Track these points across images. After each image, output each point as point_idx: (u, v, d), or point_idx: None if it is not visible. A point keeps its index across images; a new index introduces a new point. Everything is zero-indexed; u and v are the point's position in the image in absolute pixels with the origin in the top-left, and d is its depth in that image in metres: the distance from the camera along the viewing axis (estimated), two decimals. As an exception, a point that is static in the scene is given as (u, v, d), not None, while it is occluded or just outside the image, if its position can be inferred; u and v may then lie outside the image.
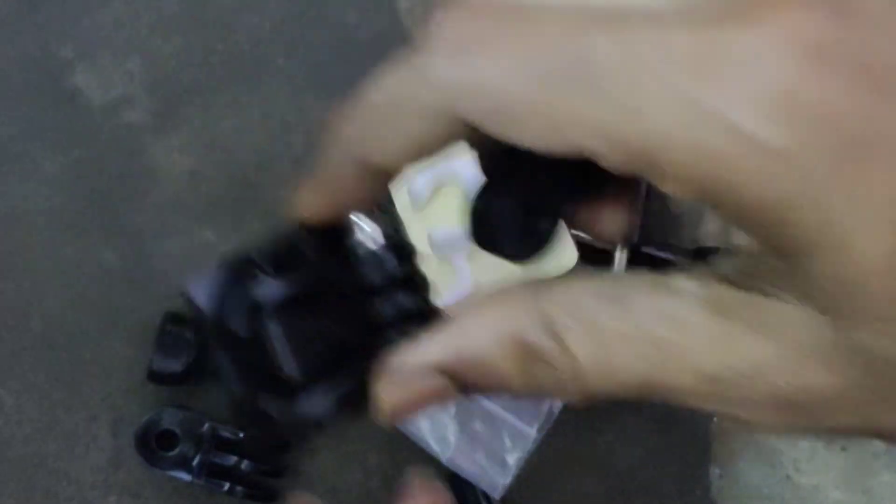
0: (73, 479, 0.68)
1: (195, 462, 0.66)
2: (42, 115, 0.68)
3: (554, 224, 0.32)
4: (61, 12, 0.68)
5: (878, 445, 0.72)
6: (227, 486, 0.67)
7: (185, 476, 0.67)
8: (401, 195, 0.68)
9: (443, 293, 0.65)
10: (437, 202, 0.68)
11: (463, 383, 0.30)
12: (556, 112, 0.25)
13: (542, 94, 0.26)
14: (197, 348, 0.66)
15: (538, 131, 0.26)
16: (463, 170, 0.68)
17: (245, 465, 0.67)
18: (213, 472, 0.67)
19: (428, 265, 0.70)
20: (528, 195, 0.32)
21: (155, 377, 0.66)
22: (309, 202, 0.32)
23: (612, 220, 0.32)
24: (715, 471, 0.72)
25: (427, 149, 0.29)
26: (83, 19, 0.68)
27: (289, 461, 0.69)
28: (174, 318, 0.67)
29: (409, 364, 0.30)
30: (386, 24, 0.70)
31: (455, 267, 0.67)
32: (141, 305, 0.69)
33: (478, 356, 0.29)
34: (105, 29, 0.69)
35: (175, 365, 0.66)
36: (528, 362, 0.28)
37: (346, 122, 0.31)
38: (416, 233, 0.68)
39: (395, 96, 0.29)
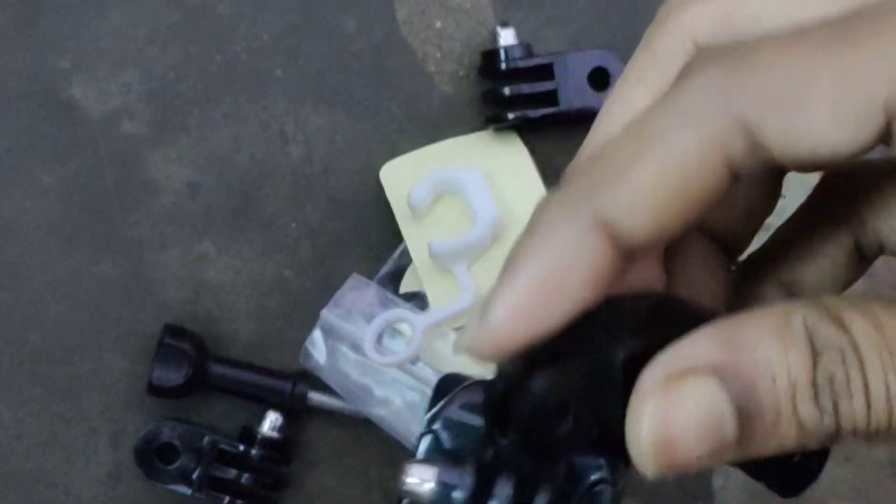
0: (73, 493, 0.68)
1: (195, 475, 0.66)
2: (39, 126, 0.68)
3: None
4: (58, 24, 0.68)
5: (882, 457, 0.72)
6: (227, 499, 0.66)
7: (185, 489, 0.66)
8: (400, 203, 0.68)
9: (443, 304, 0.64)
10: (437, 211, 0.68)
11: (738, 390, 0.24)
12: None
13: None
14: (196, 361, 0.66)
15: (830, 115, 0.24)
16: (466, 178, 0.67)
17: (245, 478, 0.66)
18: (214, 486, 0.66)
19: (427, 276, 0.70)
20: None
21: (155, 390, 0.66)
22: (511, 324, 0.25)
23: None
24: (718, 481, 0.71)
25: (693, 201, 0.25)
26: (80, 31, 0.68)
27: (289, 474, 0.69)
28: (174, 331, 0.67)
29: (675, 367, 0.25)
30: (385, 35, 0.70)
31: (456, 278, 0.67)
32: (140, 318, 0.69)
33: (759, 352, 0.24)
34: (102, 40, 0.68)
35: (175, 377, 0.66)
36: (818, 356, 0.24)
37: (573, 177, 0.26)
38: (416, 242, 0.68)
39: (647, 125, 0.25)
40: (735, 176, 0.26)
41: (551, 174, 0.70)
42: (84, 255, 0.68)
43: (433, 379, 0.65)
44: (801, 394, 0.24)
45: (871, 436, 0.24)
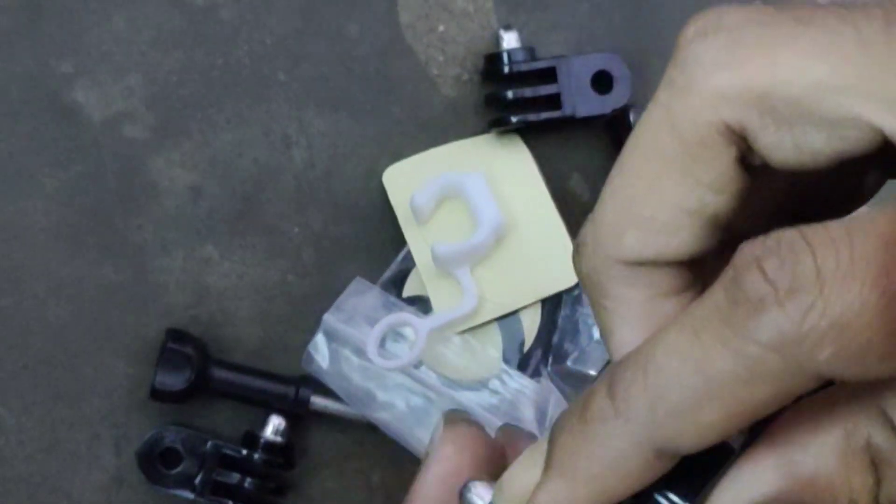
0: (76, 498, 0.68)
1: (198, 480, 0.66)
2: (41, 130, 0.68)
3: None
4: (61, 28, 0.68)
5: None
6: (230, 503, 0.66)
7: (188, 494, 0.66)
8: (403, 207, 0.68)
9: (445, 308, 0.64)
10: (440, 215, 0.68)
11: None
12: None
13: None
14: (199, 365, 0.66)
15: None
16: (469, 182, 0.67)
17: (248, 482, 0.66)
18: (217, 490, 0.66)
19: (431, 280, 0.70)
20: None
21: (157, 395, 0.66)
22: None
23: None
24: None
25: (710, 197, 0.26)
26: (83, 35, 0.68)
27: (292, 479, 0.69)
28: (176, 335, 0.67)
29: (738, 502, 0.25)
30: (388, 39, 0.70)
31: (459, 282, 0.67)
32: (142, 322, 0.68)
33: (820, 476, 0.24)
34: (105, 44, 0.68)
35: (178, 382, 0.65)
36: (882, 478, 0.24)
37: (596, 226, 0.28)
38: (419, 246, 0.68)
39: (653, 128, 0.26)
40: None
41: (554, 177, 0.70)
42: (86, 259, 0.68)
43: (436, 383, 0.65)
44: None
45: None
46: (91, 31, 0.69)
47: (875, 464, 0.24)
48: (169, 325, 0.68)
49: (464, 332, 0.67)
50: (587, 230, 0.29)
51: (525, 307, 0.68)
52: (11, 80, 0.68)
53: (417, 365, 0.66)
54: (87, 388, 0.68)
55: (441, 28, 0.70)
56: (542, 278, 0.68)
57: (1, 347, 0.68)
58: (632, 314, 0.28)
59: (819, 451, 0.24)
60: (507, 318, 0.68)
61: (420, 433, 0.65)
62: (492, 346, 0.67)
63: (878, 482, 0.24)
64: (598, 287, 0.29)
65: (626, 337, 0.28)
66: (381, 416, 0.66)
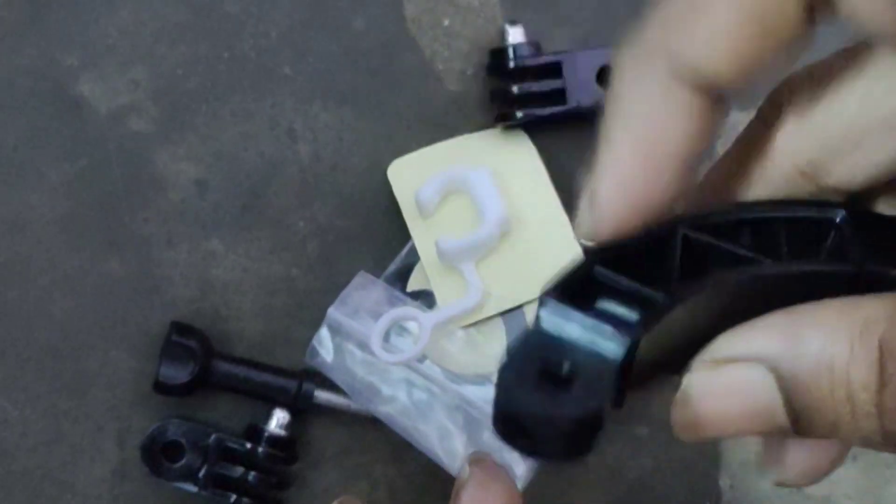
0: (79, 490, 0.68)
1: (201, 473, 0.66)
2: (47, 123, 0.68)
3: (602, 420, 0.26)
4: (66, 21, 0.68)
5: (890, 456, 0.72)
6: (233, 497, 0.66)
7: (190, 487, 0.66)
8: (407, 201, 0.68)
9: (451, 303, 0.64)
10: (445, 209, 0.68)
11: (790, 390, 0.23)
12: None
13: None
14: (202, 358, 0.66)
15: None
16: (474, 177, 0.67)
17: (251, 476, 0.66)
18: (220, 484, 0.66)
19: (435, 274, 0.70)
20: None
21: (161, 388, 0.66)
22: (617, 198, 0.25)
23: None
24: (726, 482, 0.71)
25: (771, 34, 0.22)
26: (88, 28, 0.68)
27: (295, 473, 0.69)
28: (180, 329, 0.67)
29: (730, 352, 0.24)
30: (393, 32, 0.70)
31: (464, 276, 0.67)
32: (147, 315, 0.68)
33: (823, 357, 0.23)
34: (110, 37, 0.69)
35: (181, 375, 0.66)
36: (888, 375, 0.22)
37: (650, 25, 0.24)
38: (423, 241, 0.68)
39: None
40: (813, 17, 0.24)
41: (560, 172, 0.70)
42: (91, 252, 0.68)
43: (440, 377, 0.65)
44: (861, 410, 0.23)
45: None
46: (96, 24, 0.69)
47: (883, 357, 0.22)
48: (173, 318, 0.68)
49: (468, 326, 0.67)
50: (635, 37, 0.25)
51: (529, 302, 0.68)
52: (17, 72, 0.68)
53: (421, 359, 0.66)
54: (90, 381, 0.68)
55: (446, 22, 0.70)
56: (547, 273, 0.67)
57: (5, 340, 0.68)
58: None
59: (830, 333, 0.23)
60: (512, 313, 0.68)
61: (424, 427, 0.65)
62: (496, 341, 0.67)
63: (881, 387, 0.22)
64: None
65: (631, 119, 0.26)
66: (384, 411, 0.66)
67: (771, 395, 0.23)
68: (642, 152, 0.25)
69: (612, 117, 0.25)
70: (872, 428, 0.23)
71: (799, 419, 0.24)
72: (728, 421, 0.24)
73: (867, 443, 0.24)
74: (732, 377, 0.24)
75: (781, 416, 0.24)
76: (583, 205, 0.26)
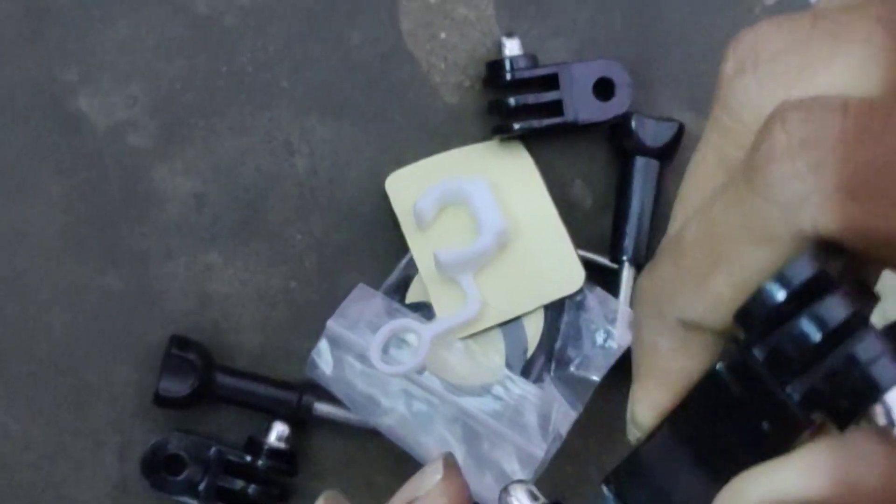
0: (80, 504, 0.68)
1: (202, 486, 0.66)
2: (46, 138, 0.68)
3: None
4: (64, 36, 0.68)
5: None
6: (234, 510, 0.66)
7: (192, 501, 0.66)
8: (405, 214, 0.68)
9: (449, 315, 0.64)
10: (443, 221, 0.68)
11: None
12: None
13: None
14: (202, 371, 0.66)
15: None
16: (471, 188, 0.67)
17: (252, 489, 0.66)
18: (220, 497, 0.66)
19: (433, 286, 0.70)
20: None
21: (161, 401, 0.66)
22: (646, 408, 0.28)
23: None
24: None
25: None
26: (86, 43, 0.68)
27: (296, 485, 0.69)
28: (180, 342, 0.67)
29: (774, 493, 0.23)
30: (390, 46, 0.70)
31: (462, 288, 0.67)
32: (146, 329, 0.69)
33: (875, 497, 0.22)
34: (108, 53, 0.69)
35: (182, 388, 0.66)
36: None
37: (653, 279, 0.27)
38: (422, 252, 0.68)
39: (724, 227, 0.25)
40: None
41: (556, 184, 0.70)
42: (90, 266, 0.68)
43: (440, 389, 0.66)
44: None
45: None
46: (94, 39, 0.69)
47: None
48: (172, 331, 0.68)
49: (467, 337, 0.67)
50: (644, 282, 0.28)
51: (528, 313, 0.68)
52: (16, 88, 0.68)
53: (420, 371, 0.66)
54: (91, 395, 0.68)
55: (443, 35, 0.71)
56: (545, 284, 0.68)
57: (5, 354, 0.68)
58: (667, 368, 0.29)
59: (884, 473, 0.22)
60: (510, 324, 0.68)
61: (423, 439, 0.66)
62: (495, 352, 0.68)
63: None
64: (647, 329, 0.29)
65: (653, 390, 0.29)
66: (384, 422, 0.66)
67: None
68: (666, 387, 0.28)
69: (636, 355, 0.29)
70: None
71: None
72: None
73: None
74: None
75: None
76: (629, 422, 0.29)
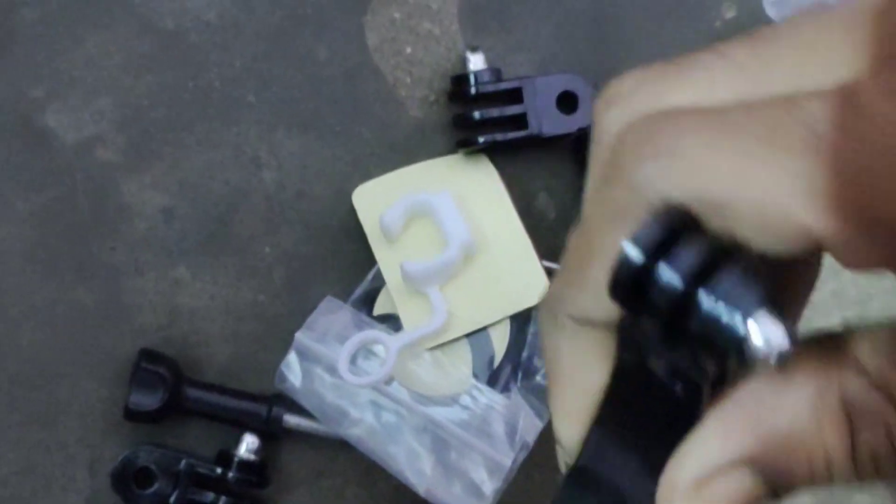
0: (50, 519, 0.68)
1: (172, 499, 0.66)
2: (14, 155, 0.69)
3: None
4: (32, 53, 0.69)
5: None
6: (204, 522, 0.67)
7: (162, 514, 0.67)
8: (372, 226, 0.69)
9: (417, 326, 0.65)
10: (409, 234, 0.69)
11: (771, 477, 0.24)
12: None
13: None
14: (172, 385, 0.66)
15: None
16: (437, 201, 0.68)
17: (223, 501, 0.67)
18: (191, 509, 0.67)
19: (400, 298, 0.70)
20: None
21: (131, 415, 0.66)
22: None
23: None
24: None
25: None
26: (54, 60, 0.69)
27: (266, 497, 0.69)
28: (149, 356, 0.67)
29: (704, 468, 0.24)
30: (356, 61, 0.71)
31: (429, 300, 0.68)
32: (116, 343, 0.69)
33: (793, 435, 0.23)
34: (76, 69, 0.69)
35: (152, 402, 0.66)
36: (857, 431, 0.23)
37: (548, 287, 0.29)
38: (389, 265, 0.69)
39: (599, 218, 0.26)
40: None
41: (521, 196, 0.71)
42: (60, 281, 0.69)
43: (408, 399, 0.66)
44: (839, 467, 0.24)
45: None
46: (62, 55, 0.69)
47: (850, 418, 0.23)
48: (142, 345, 0.68)
49: (434, 348, 0.68)
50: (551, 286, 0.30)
51: (494, 324, 0.69)
52: (-17, 105, 0.69)
53: (389, 381, 0.67)
54: (61, 410, 0.68)
55: (408, 50, 0.71)
56: (511, 295, 0.68)
57: (-25, 370, 0.68)
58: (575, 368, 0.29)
59: (790, 410, 0.23)
60: (477, 335, 0.69)
61: (392, 449, 0.66)
62: (462, 363, 0.68)
63: (853, 436, 0.23)
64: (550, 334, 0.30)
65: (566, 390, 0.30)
66: (353, 433, 0.67)
67: (757, 491, 0.24)
68: (579, 393, 0.28)
69: (546, 368, 0.29)
70: (848, 478, 0.24)
71: (778, 493, 0.24)
72: None
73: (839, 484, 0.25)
74: (721, 494, 0.24)
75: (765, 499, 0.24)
76: (556, 434, 0.29)
